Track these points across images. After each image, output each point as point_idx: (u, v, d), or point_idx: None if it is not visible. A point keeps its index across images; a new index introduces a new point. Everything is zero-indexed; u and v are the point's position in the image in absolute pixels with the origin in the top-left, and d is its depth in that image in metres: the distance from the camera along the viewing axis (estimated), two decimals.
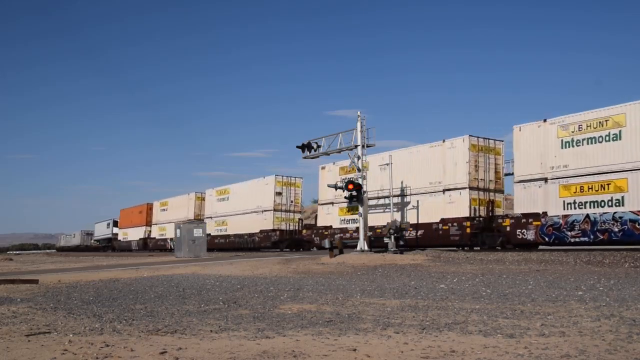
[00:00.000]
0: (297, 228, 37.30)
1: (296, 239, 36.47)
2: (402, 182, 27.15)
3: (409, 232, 26.04)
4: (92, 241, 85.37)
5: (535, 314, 7.27)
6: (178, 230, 32.48)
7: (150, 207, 57.63)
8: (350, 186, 23.71)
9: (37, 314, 8.13)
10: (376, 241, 25.96)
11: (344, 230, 30.53)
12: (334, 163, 32.16)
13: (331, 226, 31.58)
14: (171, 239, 47.75)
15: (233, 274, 16.49)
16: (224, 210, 43.01)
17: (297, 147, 27.00)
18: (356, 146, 24.64)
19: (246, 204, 40.02)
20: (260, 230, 37.71)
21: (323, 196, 32.80)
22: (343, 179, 27.54)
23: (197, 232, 31.84)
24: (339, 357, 4.97)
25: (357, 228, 25.56)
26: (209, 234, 42.81)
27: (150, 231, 56.96)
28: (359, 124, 24.44)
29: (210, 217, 44.58)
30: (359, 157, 24.48)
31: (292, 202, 37.91)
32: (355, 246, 24.38)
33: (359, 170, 24.49)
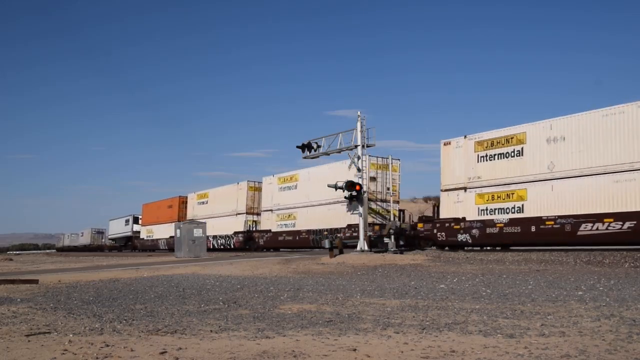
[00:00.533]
0: (401, 221, 29.67)
1: (405, 234, 28.18)
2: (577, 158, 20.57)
3: (608, 222, 19.25)
4: (103, 240, 78.83)
5: (535, 314, 7.27)
6: (178, 231, 32.54)
7: (183, 201, 50.47)
8: (357, 187, 23.76)
9: (37, 314, 8.13)
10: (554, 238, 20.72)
11: (488, 224, 22.97)
12: (465, 137, 24.60)
13: (464, 218, 24.07)
14: (214, 237, 42.76)
15: (233, 274, 16.49)
16: (290, 201, 35.42)
17: (297, 147, 27.03)
18: (356, 146, 24.66)
19: (325, 193, 31.62)
20: (349, 225, 29.85)
21: (449, 179, 25.07)
22: (482, 157, 23.35)
23: (197, 232, 31.91)
24: (339, 357, 4.97)
25: (512, 220, 21.72)
26: (270, 230, 37.13)
27: None
28: (359, 124, 24.46)
29: (271, 210, 37.24)
30: (359, 157, 24.50)
31: (388, 189, 29.74)
32: (355, 246, 24.39)
33: (359, 170, 24.51)
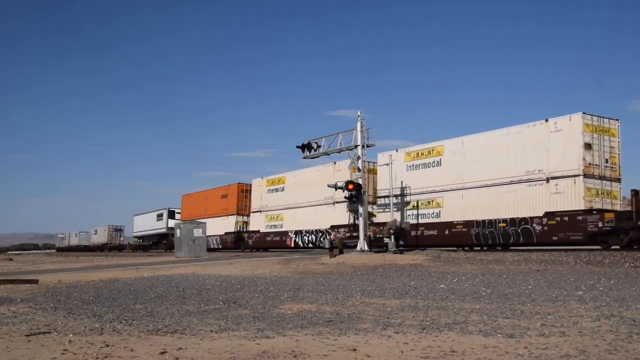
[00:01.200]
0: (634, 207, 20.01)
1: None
2: None
3: None
4: (122, 239, 72.94)
5: (535, 314, 7.27)
6: (178, 230, 32.57)
7: (243, 189, 41.65)
8: (350, 186, 23.73)
9: (37, 314, 8.13)
10: None
11: None
12: None
13: None
14: (297, 233, 34.67)
15: (233, 274, 16.49)
16: (433, 183, 25.52)
17: (297, 147, 27.03)
18: (356, 146, 24.66)
19: (504, 169, 22.77)
20: (547, 213, 21.30)
21: None
22: None
23: (197, 232, 31.95)
24: (339, 357, 4.97)
25: None
26: (406, 222, 27.37)
27: (247, 222, 41.09)
28: (359, 124, 24.47)
29: (396, 195, 27.09)
30: (359, 157, 24.50)
31: (607, 161, 21.43)
32: (355, 246, 24.39)
33: (359, 170, 24.50)
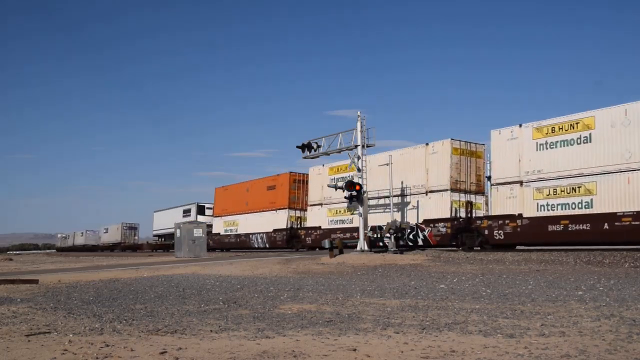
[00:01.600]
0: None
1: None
2: None
3: None
4: (136, 238, 67.50)
5: (535, 314, 7.27)
6: (178, 231, 32.55)
7: (297, 179, 35.93)
8: (357, 187, 23.72)
9: (37, 314, 8.13)
10: None
11: None
12: None
13: None
14: (374, 228, 26.34)
15: (233, 274, 16.50)
16: (575, 164, 20.32)
17: (297, 147, 27.05)
18: (356, 146, 24.67)
19: None
20: None
21: None
22: None
23: (197, 232, 31.95)
24: (339, 357, 4.97)
25: None
26: (520, 214, 21.72)
27: (301, 218, 35.47)
28: (358, 124, 24.48)
29: (519, 182, 21.96)
30: (359, 157, 24.51)
31: None
32: (355, 246, 24.40)
33: (358, 170, 24.51)
